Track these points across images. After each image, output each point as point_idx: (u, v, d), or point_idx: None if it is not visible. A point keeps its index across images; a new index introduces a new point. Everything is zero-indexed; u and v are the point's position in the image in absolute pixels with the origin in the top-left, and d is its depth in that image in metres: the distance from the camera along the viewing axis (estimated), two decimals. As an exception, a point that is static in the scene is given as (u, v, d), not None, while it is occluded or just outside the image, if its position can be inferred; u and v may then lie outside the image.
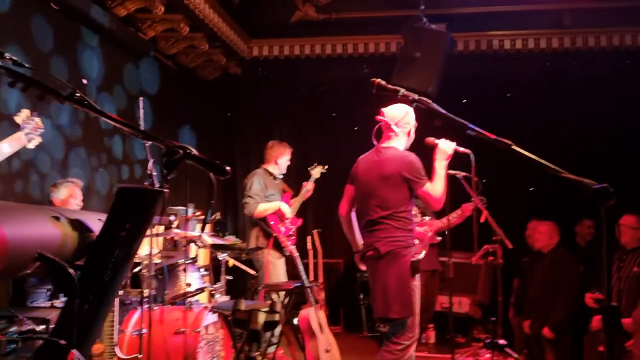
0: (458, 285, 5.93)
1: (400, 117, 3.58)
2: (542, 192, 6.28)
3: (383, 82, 2.44)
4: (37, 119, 3.14)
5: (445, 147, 3.47)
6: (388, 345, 3.41)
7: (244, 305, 1.57)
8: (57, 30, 4.58)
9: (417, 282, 3.43)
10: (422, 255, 4.44)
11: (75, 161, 4.83)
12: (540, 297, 5.14)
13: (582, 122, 6.74)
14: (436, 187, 3.43)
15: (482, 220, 4.75)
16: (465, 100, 6.50)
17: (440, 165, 3.46)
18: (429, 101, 2.29)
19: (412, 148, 3.68)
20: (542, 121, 6.65)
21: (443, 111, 2.28)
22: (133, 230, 1.61)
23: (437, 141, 3.51)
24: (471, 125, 2.17)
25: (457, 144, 3.51)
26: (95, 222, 1.76)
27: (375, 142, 3.68)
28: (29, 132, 3.08)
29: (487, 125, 2.17)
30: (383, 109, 3.68)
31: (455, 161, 3.58)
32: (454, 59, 6.23)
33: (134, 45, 5.67)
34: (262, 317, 1.51)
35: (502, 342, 2.48)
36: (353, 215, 3.75)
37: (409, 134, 3.61)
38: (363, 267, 3.72)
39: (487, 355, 3.70)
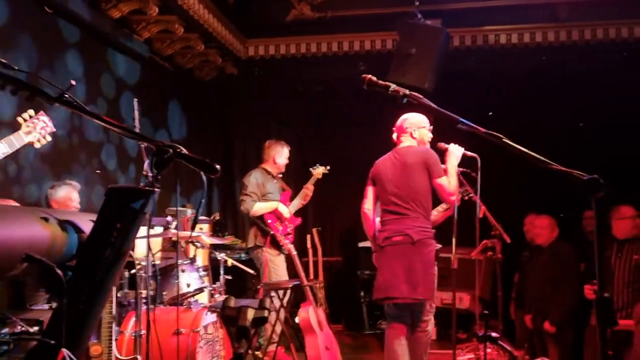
0: (458, 281, 5.92)
1: (400, 124, 4.04)
2: (537, 187, 6.28)
3: (374, 78, 2.43)
4: (44, 118, 3.07)
5: (455, 149, 3.89)
6: (420, 326, 3.87)
7: (233, 302, 1.59)
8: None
9: (436, 267, 3.90)
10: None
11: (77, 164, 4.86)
12: (542, 291, 5.13)
13: (580, 115, 6.74)
14: (451, 181, 3.84)
15: (480, 215, 4.75)
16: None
17: (452, 165, 3.88)
18: (420, 96, 2.29)
19: None
20: (539, 115, 6.64)
21: (434, 106, 2.27)
22: (124, 230, 1.61)
23: (447, 145, 3.90)
24: (462, 120, 2.17)
25: (465, 149, 3.92)
26: (87, 222, 1.76)
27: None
28: (32, 131, 3.02)
29: (484, 120, 2.17)
30: None
31: (462, 164, 3.96)
32: (450, 55, 6.23)
33: (132, 49, 5.70)
34: (250, 314, 1.53)
35: (494, 334, 2.50)
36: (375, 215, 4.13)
37: (412, 135, 4.00)
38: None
39: (488, 350, 3.74)
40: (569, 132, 6.64)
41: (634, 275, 4.49)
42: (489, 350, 3.97)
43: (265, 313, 1.66)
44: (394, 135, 4.08)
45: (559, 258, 5.11)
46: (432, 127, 4.04)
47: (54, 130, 3.16)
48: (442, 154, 3.94)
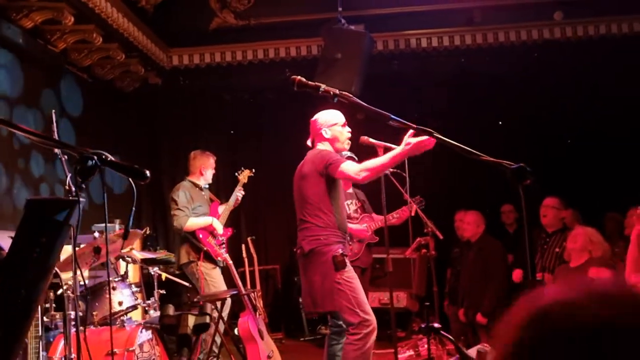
0: (394, 280, 6.01)
1: (311, 125, 3.69)
2: (466, 183, 6.51)
3: (304, 80, 2.44)
4: None
5: (420, 147, 2.93)
6: (347, 338, 3.44)
7: (172, 310, 1.52)
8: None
9: (347, 274, 3.43)
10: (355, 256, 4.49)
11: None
12: (472, 285, 5.29)
13: (500, 114, 7.07)
14: (365, 163, 3.37)
15: (412, 213, 4.85)
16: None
17: (393, 152, 3.18)
18: (350, 95, 2.32)
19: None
20: (462, 115, 6.89)
21: (365, 105, 2.31)
22: (47, 244, 1.51)
23: (372, 140, 3.51)
24: (393, 116, 2.21)
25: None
26: (6, 240, 1.64)
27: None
28: None
29: (411, 122, 2.22)
30: None
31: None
32: (374, 59, 6.34)
33: (46, 60, 5.42)
34: (191, 321, 1.46)
35: (437, 325, 2.55)
36: None
37: (321, 136, 3.63)
38: None
39: (428, 342, 3.80)
40: (490, 131, 6.93)
41: (554, 264, 4.73)
42: (429, 343, 4.06)
43: (207, 319, 1.60)
44: (309, 141, 3.73)
45: (486, 252, 5.30)
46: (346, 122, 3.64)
47: None
48: (369, 149, 3.56)
